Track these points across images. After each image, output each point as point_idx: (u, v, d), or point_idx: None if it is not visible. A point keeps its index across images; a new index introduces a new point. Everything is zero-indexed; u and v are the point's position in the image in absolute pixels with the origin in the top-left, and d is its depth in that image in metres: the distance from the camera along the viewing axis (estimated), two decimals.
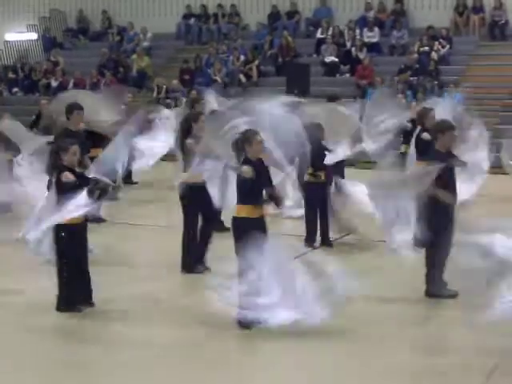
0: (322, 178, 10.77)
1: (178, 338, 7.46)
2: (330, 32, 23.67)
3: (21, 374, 6.60)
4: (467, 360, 6.81)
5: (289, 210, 11.68)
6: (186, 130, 9.47)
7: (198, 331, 7.55)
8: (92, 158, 9.79)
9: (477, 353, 6.91)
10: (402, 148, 13.19)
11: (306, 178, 10.76)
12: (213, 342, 7.29)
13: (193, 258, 9.47)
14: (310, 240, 10.71)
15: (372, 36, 23.48)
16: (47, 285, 8.20)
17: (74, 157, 7.99)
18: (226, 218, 9.30)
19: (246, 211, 7.57)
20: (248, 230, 7.36)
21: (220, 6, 25.94)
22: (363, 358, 6.92)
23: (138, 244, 11.35)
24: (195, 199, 9.20)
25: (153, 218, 12.77)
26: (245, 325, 7.46)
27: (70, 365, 6.85)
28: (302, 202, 11.31)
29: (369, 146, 12.27)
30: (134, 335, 7.50)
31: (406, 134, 13.03)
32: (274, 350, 7.07)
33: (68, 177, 7.81)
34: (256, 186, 7.59)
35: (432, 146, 8.58)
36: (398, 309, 8.19)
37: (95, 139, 11.64)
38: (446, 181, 8.27)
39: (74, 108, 11.05)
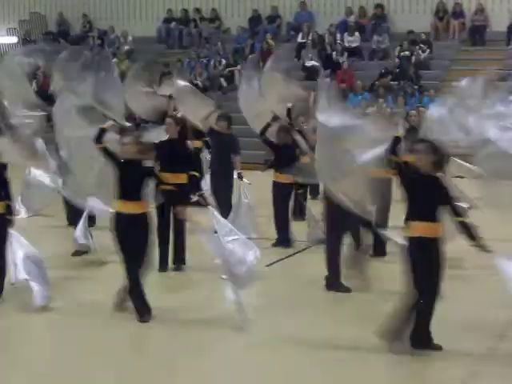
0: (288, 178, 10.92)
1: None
2: (310, 36, 23.69)
3: None
4: (444, 364, 6.81)
5: None
6: None
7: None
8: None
9: (456, 356, 6.90)
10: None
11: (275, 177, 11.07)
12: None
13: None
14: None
15: (353, 40, 23.53)
16: None
17: None
18: None
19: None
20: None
21: (198, 10, 25.87)
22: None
23: None
24: None
25: None
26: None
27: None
28: None
29: None
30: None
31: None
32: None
33: None
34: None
35: None
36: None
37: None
38: None
39: None
